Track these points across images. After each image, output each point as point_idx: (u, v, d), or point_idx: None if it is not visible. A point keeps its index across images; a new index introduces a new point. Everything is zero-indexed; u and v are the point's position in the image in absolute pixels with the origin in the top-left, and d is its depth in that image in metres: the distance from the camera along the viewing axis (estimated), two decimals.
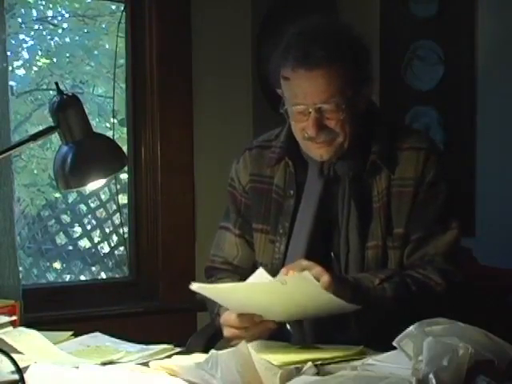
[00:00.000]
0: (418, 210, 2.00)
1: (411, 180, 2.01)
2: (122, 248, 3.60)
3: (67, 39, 3.90)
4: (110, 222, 3.94)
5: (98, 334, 2.03)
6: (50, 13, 3.90)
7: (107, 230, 3.94)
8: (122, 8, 3.38)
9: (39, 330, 1.93)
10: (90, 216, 4.00)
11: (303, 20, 2.02)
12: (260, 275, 1.79)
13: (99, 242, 3.95)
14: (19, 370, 1.52)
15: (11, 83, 3.08)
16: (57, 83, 1.85)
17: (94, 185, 1.87)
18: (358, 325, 1.86)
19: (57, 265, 3.95)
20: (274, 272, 2.03)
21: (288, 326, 1.96)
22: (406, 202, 2.00)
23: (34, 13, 3.84)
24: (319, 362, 1.65)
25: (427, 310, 1.76)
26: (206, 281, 2.18)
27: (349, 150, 2.00)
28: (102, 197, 3.99)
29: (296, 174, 2.08)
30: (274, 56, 2.00)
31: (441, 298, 1.97)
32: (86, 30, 3.90)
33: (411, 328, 1.47)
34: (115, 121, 3.57)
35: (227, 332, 1.89)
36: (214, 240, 2.22)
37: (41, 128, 1.89)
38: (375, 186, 2.01)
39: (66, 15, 3.93)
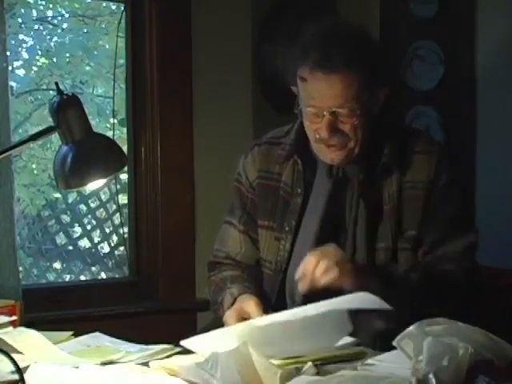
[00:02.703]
0: (431, 212, 2.00)
1: (423, 183, 2.00)
2: (122, 248, 3.60)
3: (67, 39, 3.90)
4: (109, 222, 3.94)
5: (98, 333, 2.03)
6: (49, 13, 3.90)
7: (107, 230, 3.94)
8: (122, 8, 3.38)
9: (39, 330, 1.93)
10: (89, 216, 4.01)
11: (320, 20, 2.00)
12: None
13: (99, 242, 3.95)
14: (19, 370, 1.52)
15: (11, 83, 3.08)
16: (57, 83, 1.84)
17: (94, 185, 1.87)
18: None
19: (57, 265, 3.96)
20: (277, 269, 2.03)
21: None
22: (418, 205, 2.00)
23: (34, 13, 3.84)
24: (319, 362, 1.65)
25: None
26: (208, 275, 2.20)
27: (360, 152, 1.99)
28: (102, 197, 4.00)
29: (304, 172, 2.07)
30: (290, 54, 1.98)
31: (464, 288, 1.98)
32: (85, 30, 3.90)
33: (411, 328, 1.47)
34: (115, 121, 3.57)
35: None
36: (218, 234, 2.22)
37: (41, 128, 1.88)
38: (386, 189, 2.00)
39: (66, 15, 3.93)
